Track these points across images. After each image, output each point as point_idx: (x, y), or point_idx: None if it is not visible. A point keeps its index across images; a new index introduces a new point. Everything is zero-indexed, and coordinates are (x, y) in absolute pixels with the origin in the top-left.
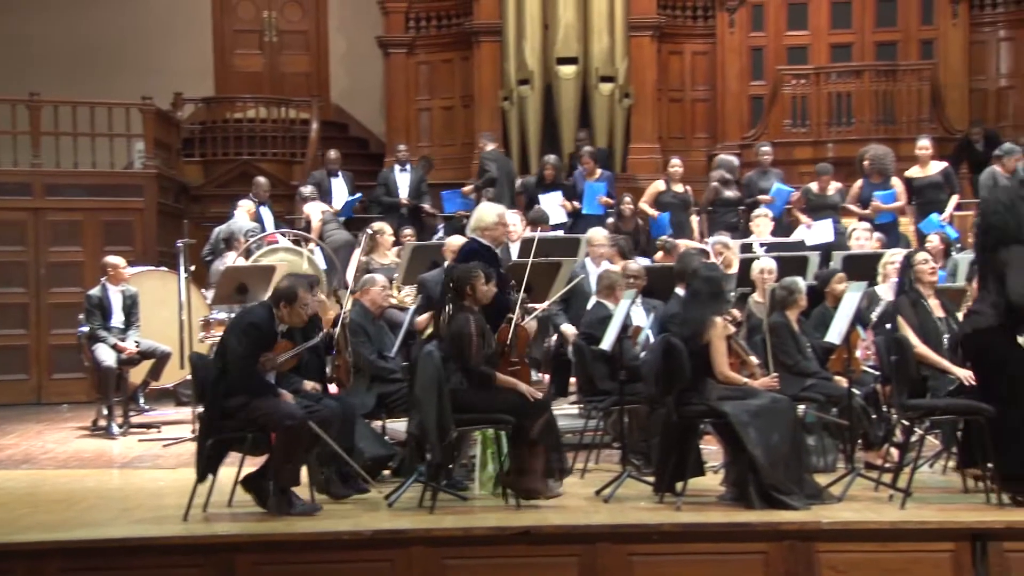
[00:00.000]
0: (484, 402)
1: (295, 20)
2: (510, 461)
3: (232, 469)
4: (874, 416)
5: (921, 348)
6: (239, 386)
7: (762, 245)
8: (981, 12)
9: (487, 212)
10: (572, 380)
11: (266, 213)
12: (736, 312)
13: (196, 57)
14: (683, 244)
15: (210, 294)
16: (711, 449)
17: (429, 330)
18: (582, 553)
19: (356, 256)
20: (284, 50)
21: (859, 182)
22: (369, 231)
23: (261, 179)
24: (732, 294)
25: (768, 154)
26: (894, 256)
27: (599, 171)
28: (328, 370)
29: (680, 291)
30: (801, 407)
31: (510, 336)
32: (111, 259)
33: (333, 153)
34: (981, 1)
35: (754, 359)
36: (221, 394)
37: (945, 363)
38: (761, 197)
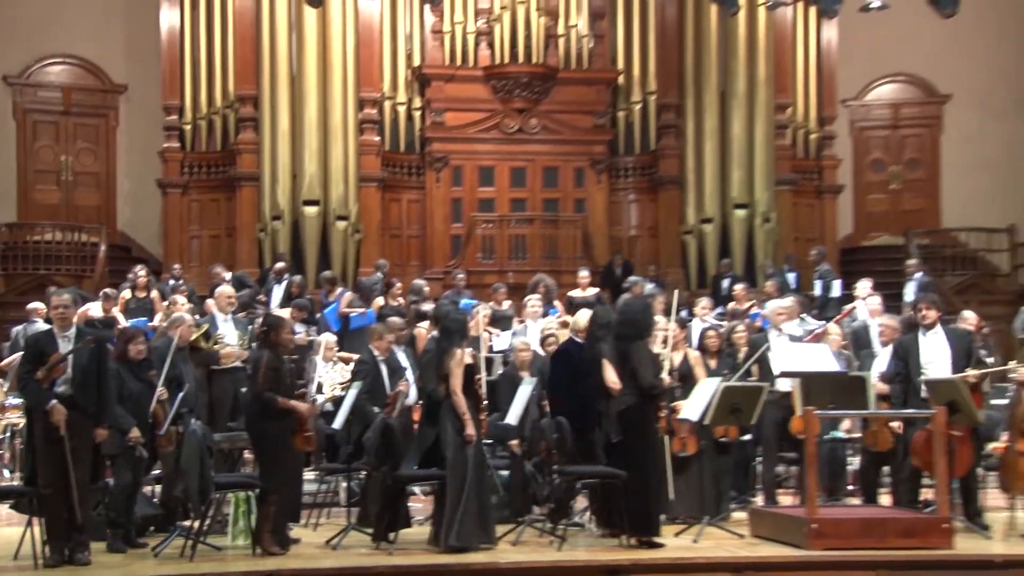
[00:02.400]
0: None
1: (88, 163)
2: (257, 520)
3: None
4: (541, 479)
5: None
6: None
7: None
8: (617, 180)
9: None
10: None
11: None
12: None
13: (1, 190)
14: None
15: (7, 384)
16: (417, 507)
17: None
18: None
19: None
20: (78, 187)
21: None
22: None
23: (51, 288)
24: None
25: (463, 279)
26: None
27: (337, 290)
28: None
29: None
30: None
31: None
32: None
33: (279, 264)
34: (617, 172)
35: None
36: None
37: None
38: None
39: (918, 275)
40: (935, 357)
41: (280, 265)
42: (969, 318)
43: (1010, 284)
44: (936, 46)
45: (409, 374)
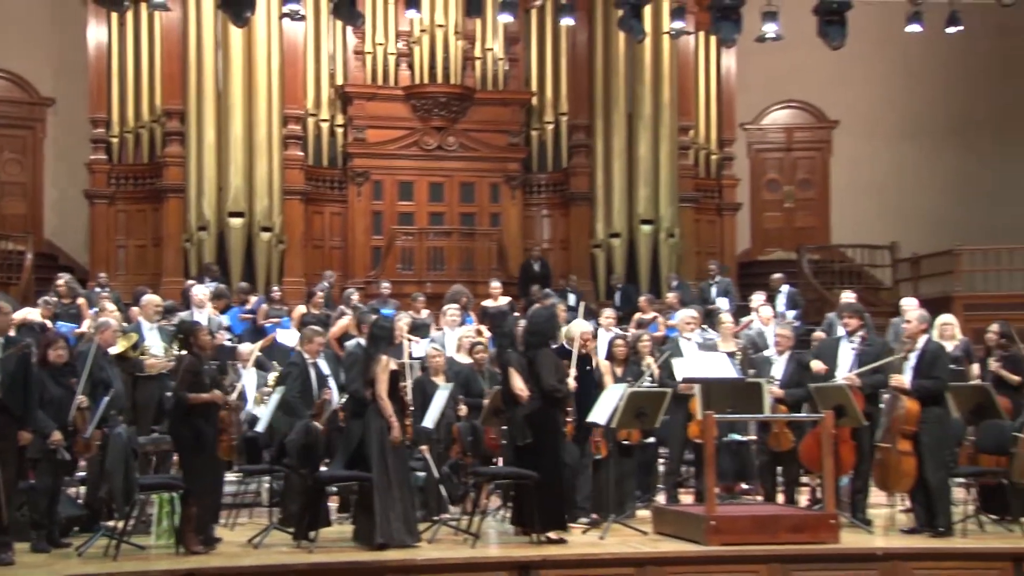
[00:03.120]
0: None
1: (15, 173)
2: (180, 519)
3: None
4: (455, 480)
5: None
6: None
7: None
8: (531, 195)
9: None
10: None
11: None
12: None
13: None
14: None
15: None
16: (333, 506)
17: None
18: None
19: None
20: (5, 196)
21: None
22: None
23: None
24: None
25: (387, 289)
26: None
27: (252, 299)
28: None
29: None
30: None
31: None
32: None
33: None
34: (531, 188)
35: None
36: None
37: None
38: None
39: (784, 287)
40: (846, 363)
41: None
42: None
43: (892, 297)
44: (826, 75)
45: (332, 381)
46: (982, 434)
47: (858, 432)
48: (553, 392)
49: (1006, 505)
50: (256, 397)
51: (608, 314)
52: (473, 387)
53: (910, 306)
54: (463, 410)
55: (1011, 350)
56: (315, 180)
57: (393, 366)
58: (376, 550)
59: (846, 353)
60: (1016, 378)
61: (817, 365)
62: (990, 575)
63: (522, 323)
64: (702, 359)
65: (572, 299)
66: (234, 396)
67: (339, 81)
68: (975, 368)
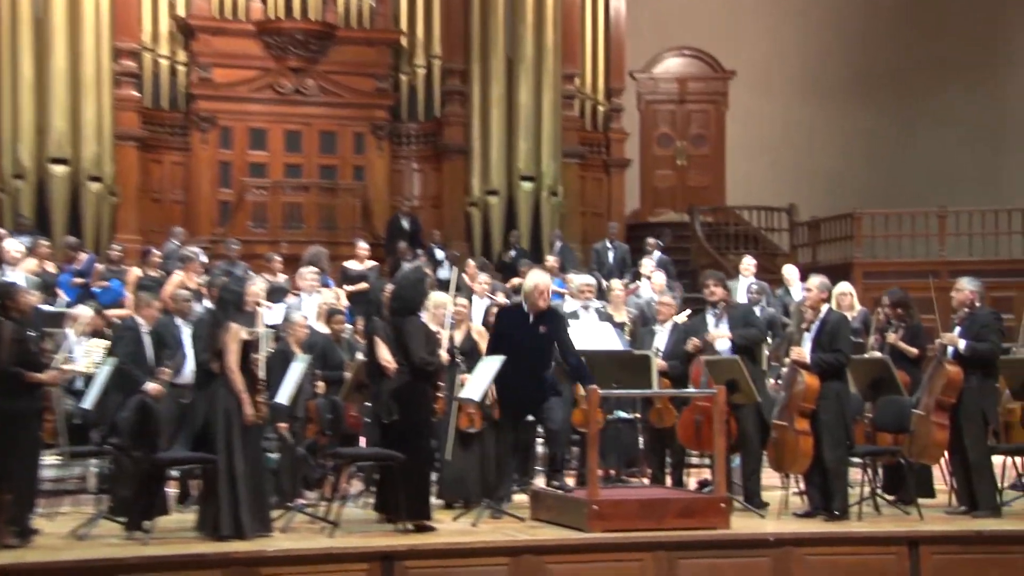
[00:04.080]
0: None
1: None
2: None
3: None
4: (313, 462)
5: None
6: None
7: None
8: (399, 147)
9: None
10: None
11: None
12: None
13: None
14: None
15: None
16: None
17: None
18: None
19: None
20: None
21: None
22: None
23: None
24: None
25: (236, 249)
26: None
27: (82, 257)
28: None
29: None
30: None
31: None
32: None
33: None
34: (399, 139)
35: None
36: None
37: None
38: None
39: (656, 253)
40: (721, 335)
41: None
42: (747, 265)
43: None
44: (721, 21)
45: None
46: (880, 410)
47: (740, 409)
48: (423, 365)
49: (903, 486)
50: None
51: (483, 279)
52: (331, 359)
53: (791, 275)
54: (321, 386)
55: (909, 320)
56: (153, 124)
57: (244, 335)
58: (221, 541)
59: (715, 324)
60: (914, 350)
61: (661, 364)
62: (886, 560)
63: (389, 288)
64: (586, 330)
65: (446, 270)
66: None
67: (180, 12)
68: (872, 340)
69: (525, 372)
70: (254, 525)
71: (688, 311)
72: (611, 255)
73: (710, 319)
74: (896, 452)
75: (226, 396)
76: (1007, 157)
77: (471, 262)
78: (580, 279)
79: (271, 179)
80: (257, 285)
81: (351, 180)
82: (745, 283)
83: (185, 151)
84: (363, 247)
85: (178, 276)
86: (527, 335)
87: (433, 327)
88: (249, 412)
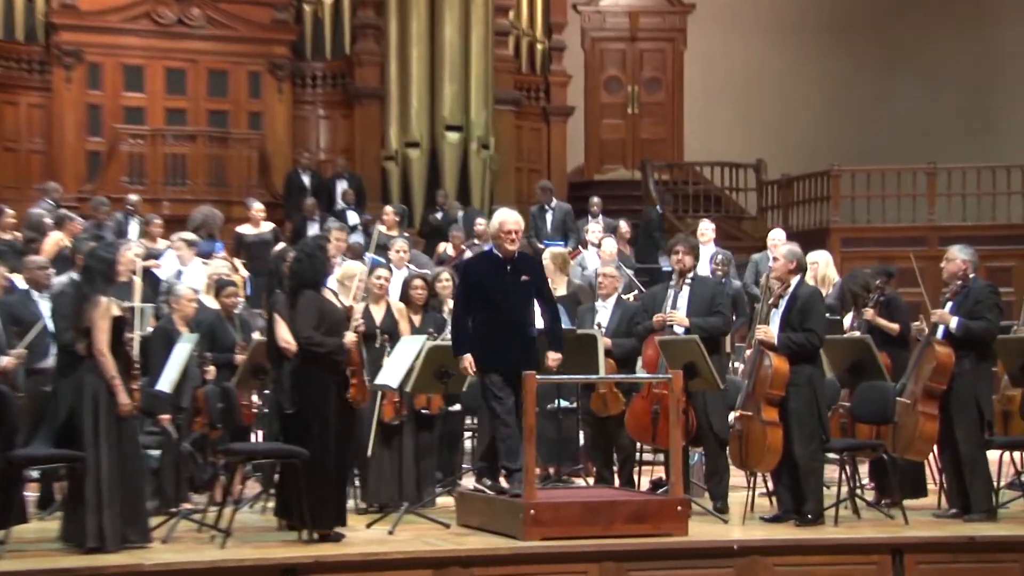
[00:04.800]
0: None
1: None
2: None
3: None
4: (201, 460)
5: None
6: None
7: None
8: (303, 90)
9: None
10: None
11: None
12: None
13: None
14: None
15: None
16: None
17: None
18: None
19: None
20: None
21: None
22: None
23: None
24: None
25: (105, 209)
26: None
27: None
28: None
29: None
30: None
31: None
32: None
33: None
34: (303, 80)
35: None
36: None
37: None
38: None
39: (601, 217)
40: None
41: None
42: (705, 230)
43: (757, 229)
44: None
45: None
46: (859, 398)
47: (695, 398)
48: (309, 345)
49: (886, 485)
50: None
51: (400, 246)
52: (223, 339)
53: (779, 239)
54: (211, 371)
55: (888, 293)
56: (6, 60)
57: (116, 311)
58: (90, 553)
59: (672, 301)
60: (894, 326)
61: (658, 318)
62: (866, 570)
63: (292, 256)
64: None
65: (359, 236)
66: None
67: None
68: (848, 318)
69: (509, 330)
70: (129, 534)
71: (636, 291)
72: (549, 218)
73: (671, 293)
74: (877, 446)
75: (95, 383)
76: (1000, 109)
77: (389, 209)
78: (508, 215)
79: (149, 126)
80: (132, 251)
81: (245, 129)
82: (707, 252)
83: (45, 92)
84: (259, 208)
85: (56, 236)
86: (505, 285)
87: (348, 303)
88: (124, 402)
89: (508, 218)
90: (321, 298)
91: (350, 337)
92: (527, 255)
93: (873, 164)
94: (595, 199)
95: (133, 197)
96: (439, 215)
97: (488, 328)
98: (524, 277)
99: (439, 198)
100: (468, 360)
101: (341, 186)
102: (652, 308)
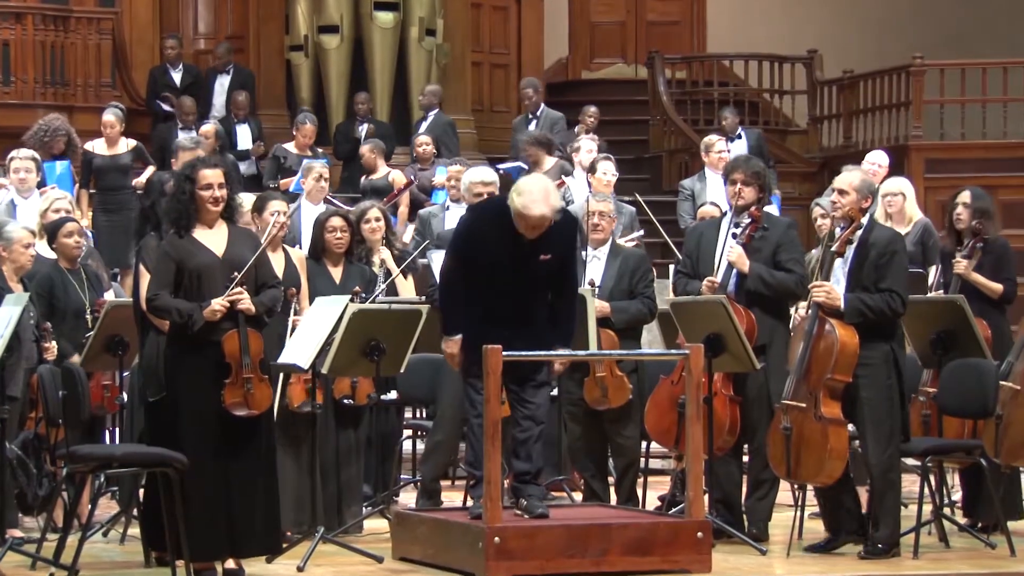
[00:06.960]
0: None
1: None
2: None
3: None
4: (35, 470)
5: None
6: None
7: None
8: None
9: None
10: None
11: None
12: None
13: None
14: None
15: None
16: None
17: None
18: None
19: None
20: None
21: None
22: None
23: None
24: None
25: None
26: None
27: None
28: None
29: None
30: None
31: None
32: None
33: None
34: None
35: None
36: None
37: None
38: None
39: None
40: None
41: None
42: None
43: (809, 146)
44: None
45: None
46: (948, 383)
47: (744, 383)
48: (151, 310)
49: (983, 501)
50: None
51: (319, 168)
52: (65, 301)
53: (880, 161)
54: (51, 347)
55: (988, 237)
56: None
57: None
58: None
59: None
60: (998, 286)
61: (601, 307)
62: None
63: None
64: None
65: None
66: None
67: None
68: (932, 272)
69: (510, 324)
70: None
71: (639, 232)
72: (532, 129)
73: (722, 235)
74: (973, 449)
75: None
76: None
77: (307, 120)
78: (475, 174)
79: None
80: None
81: (93, 6)
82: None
83: None
84: (114, 117)
85: None
86: (515, 262)
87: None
88: None
89: (487, 176)
90: (169, 248)
91: (217, 306)
92: (559, 221)
93: (969, 58)
94: (591, 108)
95: None
96: (362, 128)
97: (481, 318)
98: (545, 255)
99: (360, 103)
100: (455, 346)
101: (222, 82)
102: (697, 256)
